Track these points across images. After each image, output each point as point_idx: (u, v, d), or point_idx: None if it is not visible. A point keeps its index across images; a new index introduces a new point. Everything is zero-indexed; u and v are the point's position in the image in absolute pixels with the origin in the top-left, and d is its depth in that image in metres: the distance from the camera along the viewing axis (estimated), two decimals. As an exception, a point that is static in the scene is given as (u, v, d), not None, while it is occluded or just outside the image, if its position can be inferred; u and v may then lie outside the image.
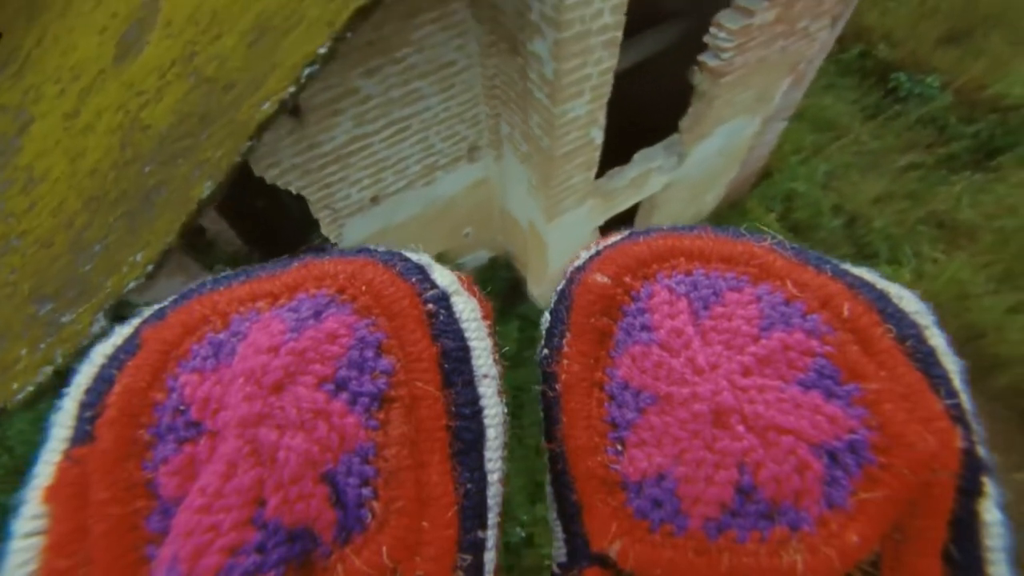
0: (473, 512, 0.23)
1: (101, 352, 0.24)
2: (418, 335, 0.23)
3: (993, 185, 5.18)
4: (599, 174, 3.43)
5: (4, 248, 1.77)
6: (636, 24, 4.41)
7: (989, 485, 0.21)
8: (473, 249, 4.54)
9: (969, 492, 0.21)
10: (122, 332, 0.24)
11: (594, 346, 0.25)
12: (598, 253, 0.28)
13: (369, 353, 0.22)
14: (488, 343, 0.26)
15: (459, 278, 0.27)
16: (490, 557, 0.24)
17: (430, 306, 0.24)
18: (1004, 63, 5.86)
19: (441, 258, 3.32)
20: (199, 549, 0.18)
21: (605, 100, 2.60)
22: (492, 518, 0.24)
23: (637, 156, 3.52)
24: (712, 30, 2.98)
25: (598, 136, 2.81)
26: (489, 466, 0.24)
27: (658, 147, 3.60)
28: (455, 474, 0.22)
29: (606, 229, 3.94)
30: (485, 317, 0.27)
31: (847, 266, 0.26)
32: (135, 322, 0.25)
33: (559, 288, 0.29)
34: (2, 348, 1.64)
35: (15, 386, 1.59)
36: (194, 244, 4.76)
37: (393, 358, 0.22)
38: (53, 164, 1.97)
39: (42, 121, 2.19)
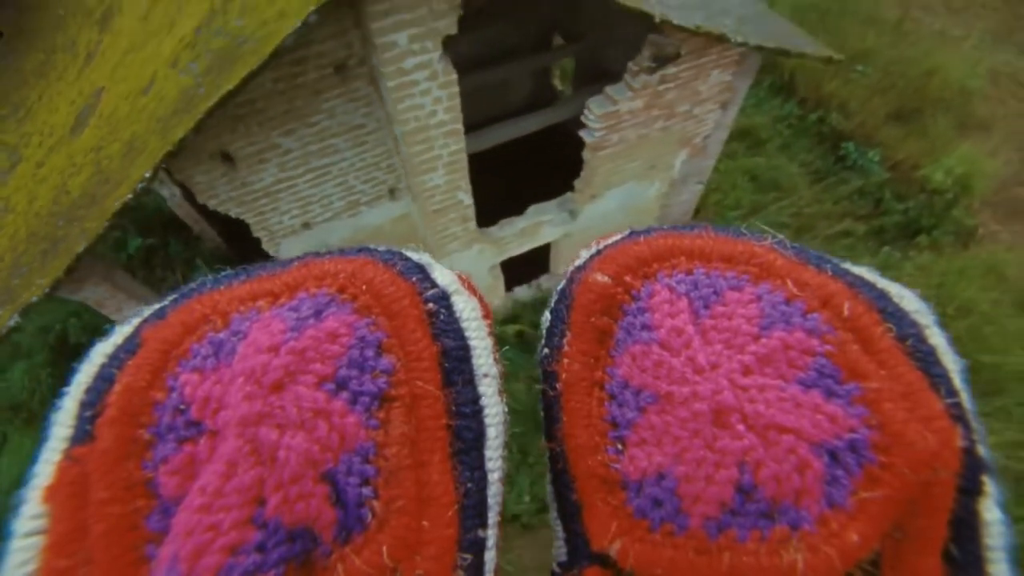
0: (474, 511, 0.23)
1: (101, 351, 0.24)
2: (418, 334, 0.23)
3: (901, 263, 5.48)
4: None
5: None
6: (586, 80, 4.94)
7: (989, 484, 0.21)
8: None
9: (969, 491, 0.21)
10: (122, 331, 0.25)
11: (594, 345, 0.25)
12: (599, 252, 0.28)
13: (369, 352, 0.22)
14: (488, 342, 0.26)
15: (459, 277, 0.28)
16: (490, 556, 0.24)
17: (430, 305, 0.24)
18: (944, 146, 6.14)
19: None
20: (199, 548, 0.18)
21: (463, 172, 3.22)
22: (492, 517, 0.24)
23: (530, 209, 4.10)
24: (585, 111, 3.56)
25: (466, 198, 3.44)
26: (489, 465, 0.24)
27: (552, 203, 4.17)
28: (456, 473, 0.23)
29: (518, 265, 4.53)
30: (485, 316, 0.27)
31: (847, 265, 0.26)
32: (135, 321, 0.25)
33: (559, 287, 0.29)
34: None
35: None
36: (184, 239, 5.57)
37: (393, 357, 0.22)
38: (20, 200, 2.72)
39: (24, 164, 3.00)
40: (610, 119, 3.51)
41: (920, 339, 0.23)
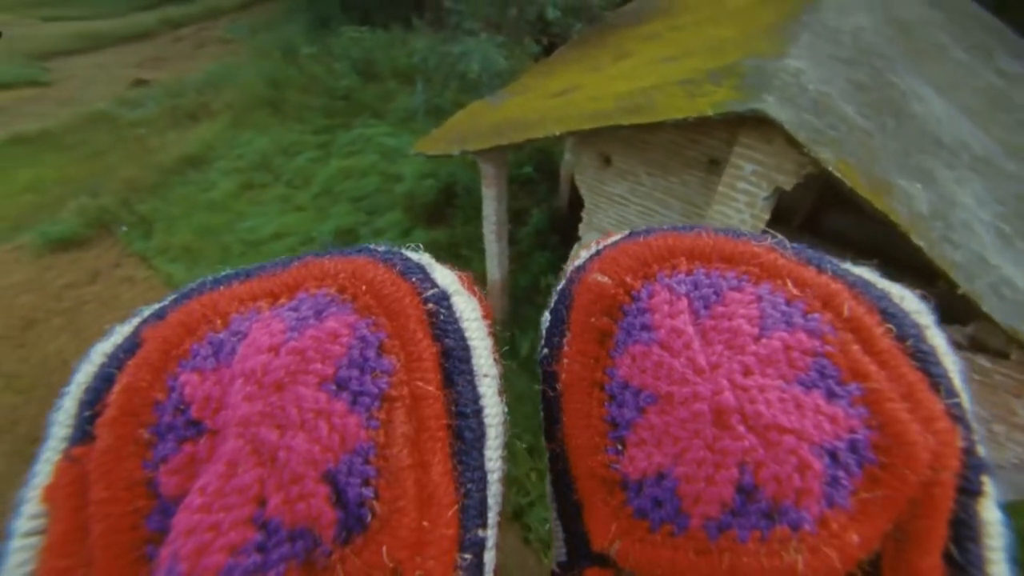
0: (474, 511, 0.23)
1: (101, 351, 0.24)
2: (419, 335, 0.23)
3: None
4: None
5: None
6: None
7: (989, 484, 0.21)
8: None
9: (969, 492, 0.21)
10: (122, 331, 0.25)
11: (594, 346, 0.26)
12: (598, 253, 0.28)
13: (370, 353, 0.22)
14: (488, 342, 0.26)
15: (459, 278, 0.28)
16: (491, 556, 0.24)
17: (431, 305, 0.24)
18: None
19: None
20: (200, 548, 0.18)
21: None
22: (492, 517, 0.24)
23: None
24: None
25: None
26: (490, 465, 0.25)
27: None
28: (456, 473, 0.23)
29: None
30: (485, 316, 0.28)
31: (848, 266, 0.26)
32: (135, 321, 0.25)
33: (559, 288, 0.29)
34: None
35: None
36: (548, 188, 7.62)
37: (394, 358, 0.23)
38: (510, 109, 4.71)
39: (526, 95, 4.98)
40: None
41: (920, 340, 0.23)
